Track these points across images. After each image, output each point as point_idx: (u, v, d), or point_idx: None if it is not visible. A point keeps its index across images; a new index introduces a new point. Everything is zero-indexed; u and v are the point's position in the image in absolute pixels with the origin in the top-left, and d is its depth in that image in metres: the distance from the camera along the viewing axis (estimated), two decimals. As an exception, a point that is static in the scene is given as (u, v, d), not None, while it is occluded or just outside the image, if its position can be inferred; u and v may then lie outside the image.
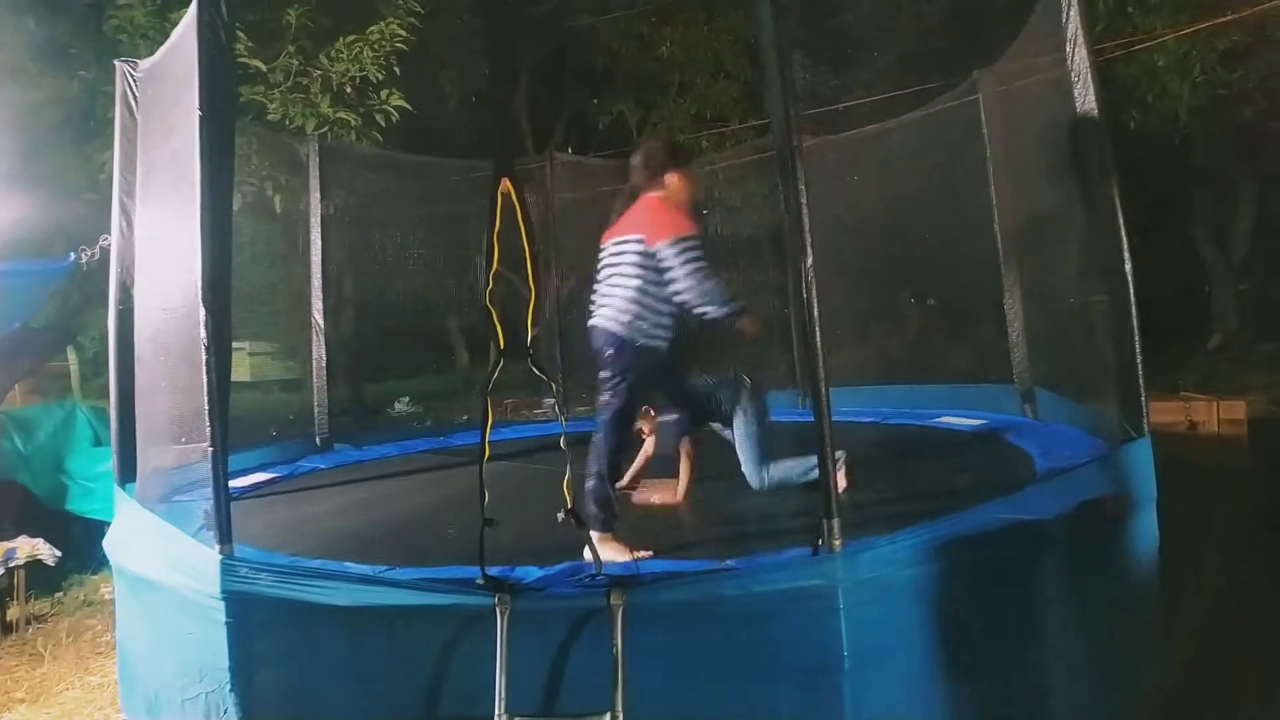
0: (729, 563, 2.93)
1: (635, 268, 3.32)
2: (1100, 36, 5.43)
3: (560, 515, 2.99)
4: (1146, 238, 3.41)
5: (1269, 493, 4.97)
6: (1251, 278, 12.03)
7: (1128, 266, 3.42)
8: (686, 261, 3.25)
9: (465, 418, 9.95)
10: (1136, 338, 3.43)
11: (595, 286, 3.49)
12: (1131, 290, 3.43)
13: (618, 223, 3.50)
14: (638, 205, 3.49)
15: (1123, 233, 3.44)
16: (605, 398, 3.36)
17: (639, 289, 3.30)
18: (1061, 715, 2.99)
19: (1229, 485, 5.35)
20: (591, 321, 3.43)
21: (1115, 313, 3.50)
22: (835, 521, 2.66)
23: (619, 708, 2.48)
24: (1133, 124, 8.34)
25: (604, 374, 3.36)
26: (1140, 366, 3.44)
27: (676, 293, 3.28)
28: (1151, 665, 3.33)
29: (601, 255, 3.51)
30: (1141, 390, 3.46)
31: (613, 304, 3.35)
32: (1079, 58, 3.52)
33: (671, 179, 3.47)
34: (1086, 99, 3.50)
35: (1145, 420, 3.46)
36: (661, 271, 3.29)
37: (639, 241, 3.33)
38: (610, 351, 3.32)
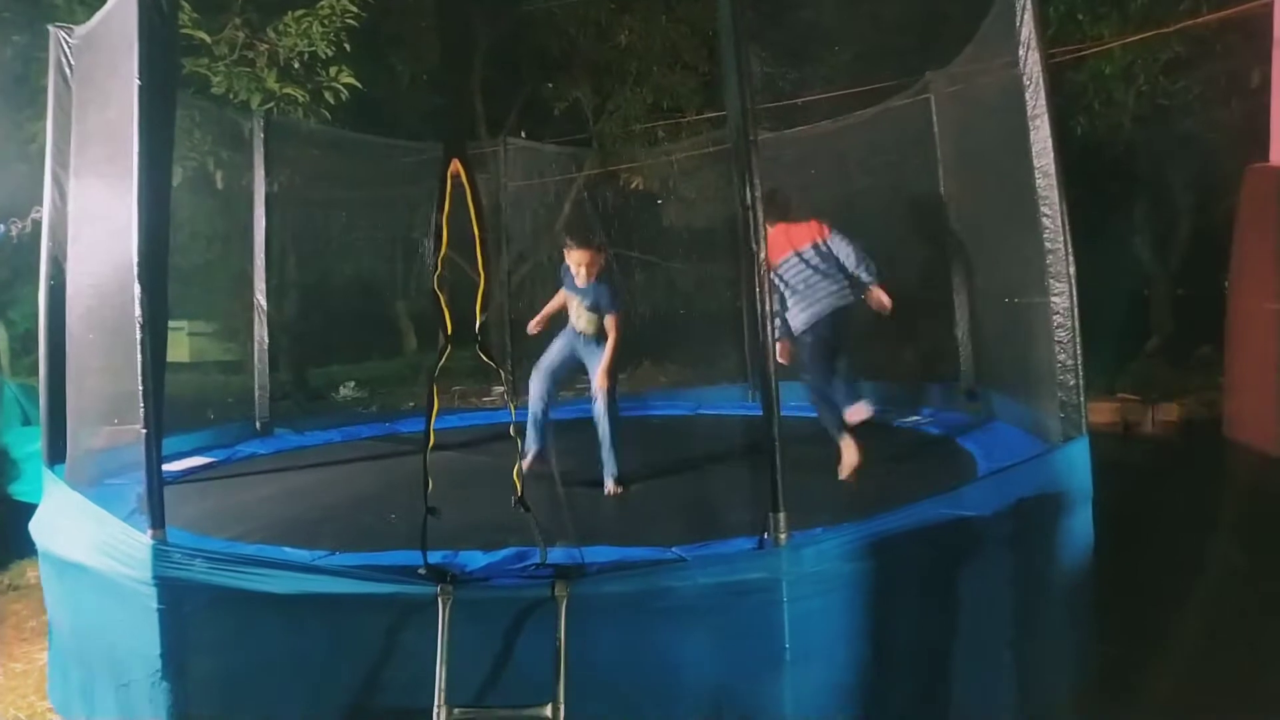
0: (674, 551, 2.93)
1: (826, 261, 4.58)
2: (1050, 42, 5.52)
3: (512, 503, 2.96)
4: (1088, 242, 3.50)
5: (1199, 492, 5.12)
6: (1188, 284, 12.39)
7: (1072, 270, 3.49)
8: (848, 240, 4.62)
9: (412, 404, 9.83)
10: (1079, 340, 3.50)
11: (790, 285, 4.58)
12: (1075, 293, 3.50)
13: (786, 241, 4.59)
14: (792, 229, 4.65)
15: (1069, 236, 3.50)
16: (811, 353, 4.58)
17: (837, 274, 4.57)
18: (998, 709, 3.05)
19: (1162, 485, 5.51)
20: (820, 307, 4.51)
21: (1058, 315, 3.56)
22: (782, 515, 2.67)
23: (561, 699, 2.46)
24: (1079, 130, 8.52)
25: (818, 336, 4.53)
26: (1081, 368, 3.51)
27: (846, 265, 4.56)
28: (1084, 660, 3.42)
29: (785, 266, 4.58)
30: (1081, 391, 3.53)
31: (830, 289, 4.54)
32: (1031, 61, 3.57)
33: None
34: (1038, 102, 3.55)
35: (1084, 420, 3.53)
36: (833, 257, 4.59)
37: (818, 245, 4.61)
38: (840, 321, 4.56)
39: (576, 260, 4.53)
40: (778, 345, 4.29)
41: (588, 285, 4.56)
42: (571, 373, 4.88)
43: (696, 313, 10.48)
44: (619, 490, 4.42)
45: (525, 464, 4.55)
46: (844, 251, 4.59)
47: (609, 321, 4.57)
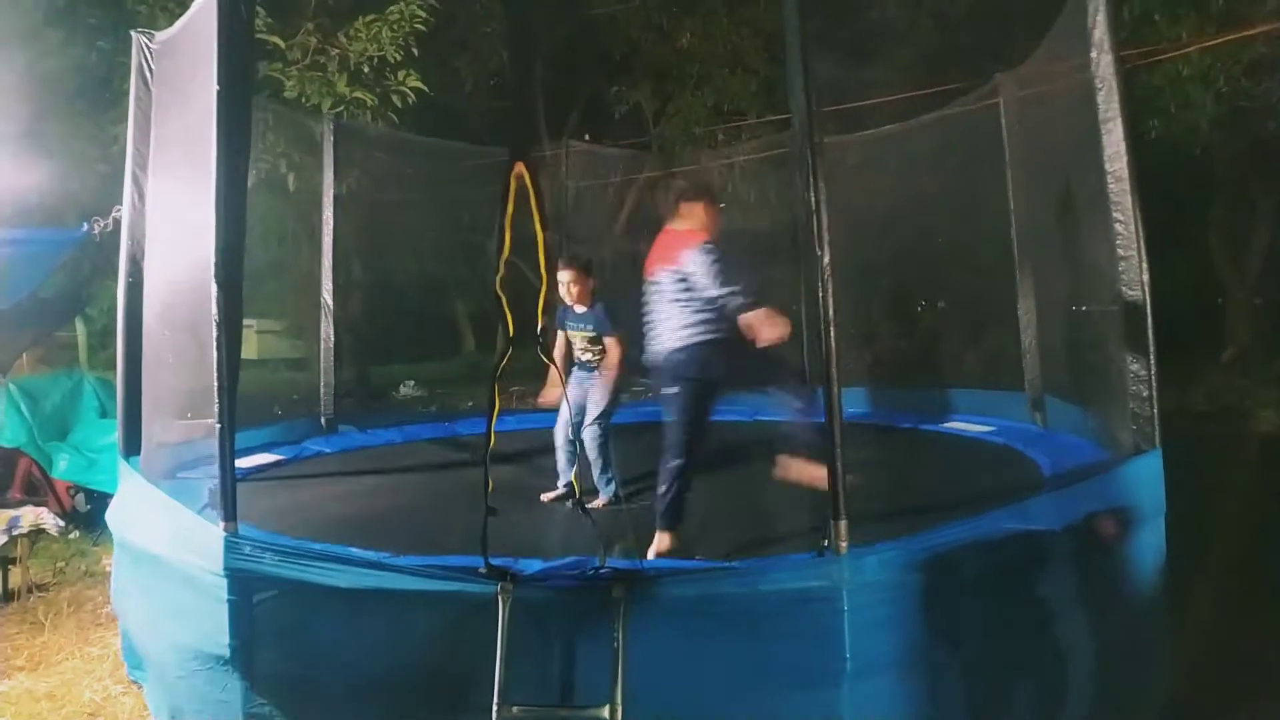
0: (733, 564, 2.92)
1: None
2: (1124, 44, 5.37)
3: (570, 504, 2.98)
4: (1161, 248, 3.34)
5: (1277, 509, 4.94)
6: (1266, 292, 11.96)
7: (1146, 277, 3.39)
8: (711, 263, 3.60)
9: (471, 404, 9.94)
10: (1152, 349, 3.40)
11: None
12: (1149, 302, 3.40)
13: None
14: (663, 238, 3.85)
15: (1143, 243, 3.41)
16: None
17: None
18: (1062, 726, 2.97)
19: (1238, 501, 5.32)
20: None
21: (1131, 324, 3.46)
22: (843, 524, 2.64)
23: (618, 702, 2.46)
24: (1153, 133, 8.27)
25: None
26: (1154, 379, 3.41)
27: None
28: (1155, 677, 3.32)
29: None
30: (1154, 402, 3.43)
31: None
32: (1105, 63, 3.48)
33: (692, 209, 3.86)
34: (1111, 105, 3.45)
35: (1156, 433, 3.43)
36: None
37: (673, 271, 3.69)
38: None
39: (564, 280, 4.45)
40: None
41: (586, 311, 4.50)
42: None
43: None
44: (606, 504, 4.35)
45: (548, 497, 4.54)
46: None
47: (609, 343, 4.43)
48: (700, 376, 3.63)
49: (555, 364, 3.51)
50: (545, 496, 4.55)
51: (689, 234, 3.72)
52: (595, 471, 4.39)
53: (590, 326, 4.48)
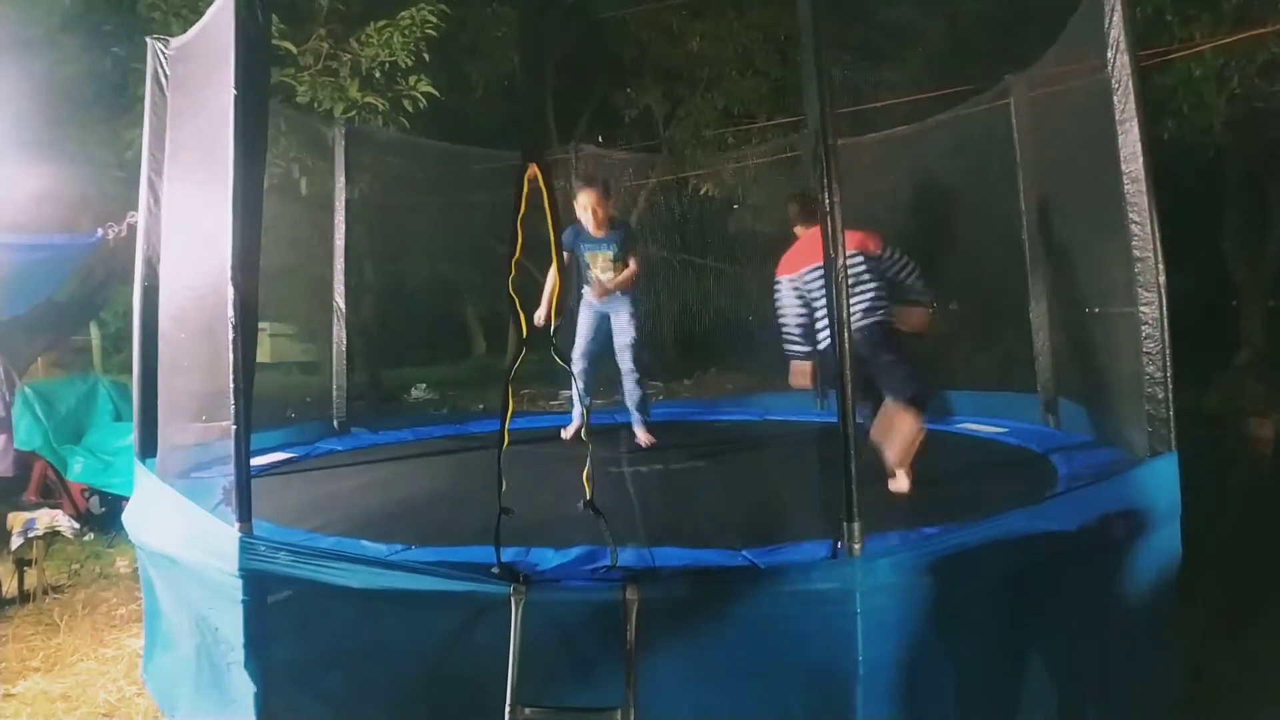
0: (744, 554, 2.92)
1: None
2: (1136, 44, 5.31)
3: (581, 505, 2.98)
4: (1173, 250, 3.31)
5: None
6: (1280, 295, 11.91)
7: (1162, 279, 3.37)
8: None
9: (482, 406, 9.96)
10: (1168, 352, 3.38)
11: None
12: (1165, 304, 3.38)
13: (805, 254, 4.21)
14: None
15: (1159, 244, 3.39)
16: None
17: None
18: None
19: (1253, 503, 5.29)
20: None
21: (1147, 326, 3.45)
22: (857, 525, 2.64)
23: (631, 703, 2.46)
24: (1166, 135, 8.21)
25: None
26: (1170, 381, 3.40)
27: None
28: (1168, 679, 3.30)
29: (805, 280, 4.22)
30: (1170, 405, 3.41)
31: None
32: (1120, 64, 3.46)
33: None
34: (1127, 106, 3.44)
35: (1172, 435, 3.41)
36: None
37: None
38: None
39: (585, 204, 4.52)
40: (797, 366, 4.32)
41: (607, 234, 4.58)
42: (605, 345, 4.87)
43: (765, 320, 10.39)
44: (652, 440, 4.53)
45: (567, 434, 4.76)
46: (898, 263, 4.33)
47: (632, 261, 4.60)
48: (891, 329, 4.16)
49: (568, 366, 3.58)
50: (565, 433, 4.73)
51: (859, 231, 4.20)
52: (633, 401, 4.62)
53: (615, 248, 4.60)
